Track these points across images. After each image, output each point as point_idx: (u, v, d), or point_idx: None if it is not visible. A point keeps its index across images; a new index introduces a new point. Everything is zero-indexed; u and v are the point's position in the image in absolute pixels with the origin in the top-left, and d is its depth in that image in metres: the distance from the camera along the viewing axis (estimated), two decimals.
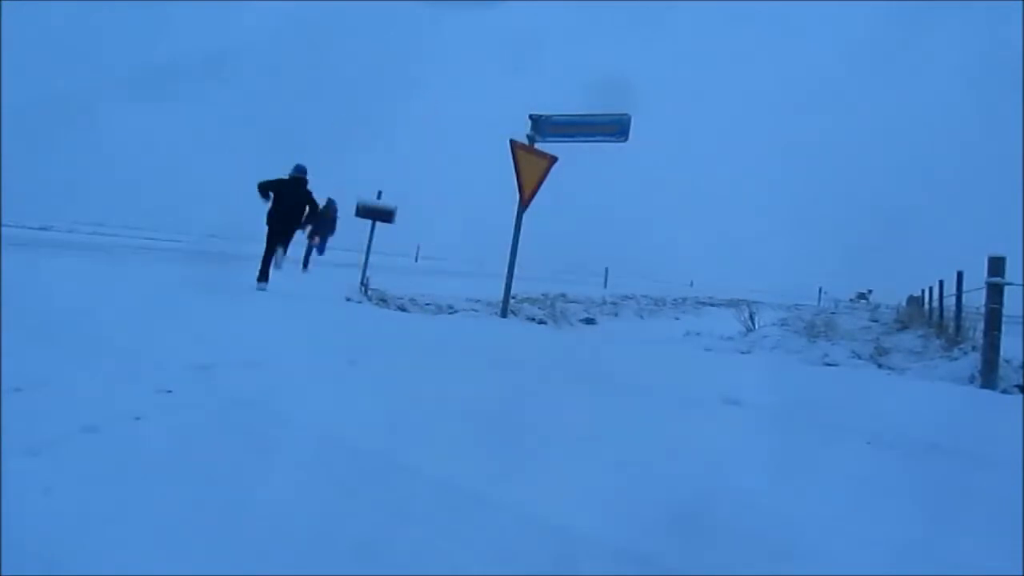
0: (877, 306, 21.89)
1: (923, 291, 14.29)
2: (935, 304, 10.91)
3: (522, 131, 6.61)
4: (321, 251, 12.09)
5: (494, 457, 2.00)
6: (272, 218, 6.75)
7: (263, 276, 6.63)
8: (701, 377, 4.06)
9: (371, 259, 7.79)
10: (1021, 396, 3.95)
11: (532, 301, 8.60)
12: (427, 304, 6.99)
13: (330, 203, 11.94)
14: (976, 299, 5.86)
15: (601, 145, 6.54)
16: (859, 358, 5.65)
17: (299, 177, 6.87)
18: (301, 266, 10.57)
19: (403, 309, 6.53)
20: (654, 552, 1.42)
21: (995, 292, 4.53)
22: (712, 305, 15.67)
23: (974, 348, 5.20)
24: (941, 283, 10.30)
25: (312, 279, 9.09)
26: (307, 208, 6.91)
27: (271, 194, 6.69)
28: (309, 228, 10.05)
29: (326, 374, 3.00)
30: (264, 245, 6.73)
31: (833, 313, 14.18)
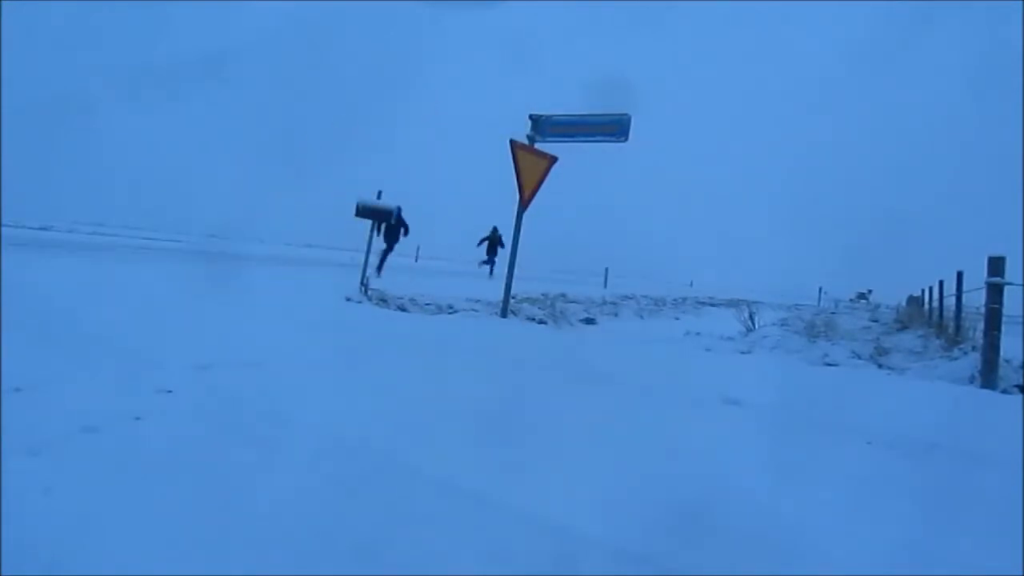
0: (877, 306, 21.92)
1: (923, 291, 14.30)
2: (935, 304, 10.91)
3: (522, 131, 6.60)
4: (491, 267, 16.23)
5: (494, 457, 2.00)
6: (383, 238, 11.21)
7: (379, 270, 10.92)
8: (701, 377, 4.06)
9: (371, 259, 7.80)
10: (1021, 396, 3.95)
11: (532, 301, 8.57)
12: (427, 304, 6.98)
13: (495, 231, 16.42)
14: (976, 299, 5.85)
15: (601, 145, 6.54)
16: (859, 358, 5.63)
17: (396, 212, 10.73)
18: (488, 275, 15.33)
19: (403, 309, 6.52)
20: (654, 552, 1.42)
21: (995, 292, 4.53)
22: (712, 305, 15.63)
23: (974, 348, 5.19)
24: (941, 283, 10.30)
25: (312, 279, 9.10)
26: (402, 230, 11.45)
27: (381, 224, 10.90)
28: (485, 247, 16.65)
29: (326, 374, 3.00)
30: (383, 250, 11.28)
31: (833, 313, 14.16)
